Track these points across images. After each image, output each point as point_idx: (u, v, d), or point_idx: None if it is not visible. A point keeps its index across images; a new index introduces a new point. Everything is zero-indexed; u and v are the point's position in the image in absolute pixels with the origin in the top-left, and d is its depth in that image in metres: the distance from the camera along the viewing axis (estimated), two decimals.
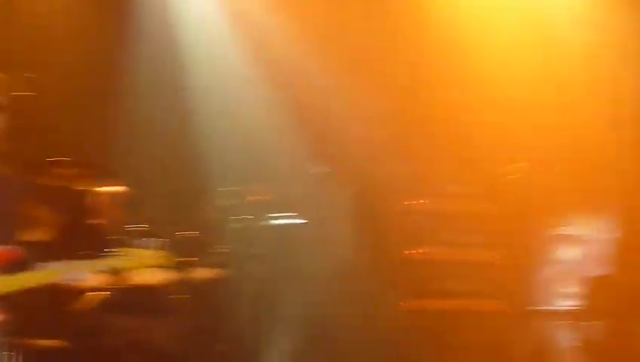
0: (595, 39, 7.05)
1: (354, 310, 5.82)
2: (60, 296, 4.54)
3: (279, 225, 6.08)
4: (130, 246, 3.18)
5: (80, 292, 4.64)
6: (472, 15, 6.74)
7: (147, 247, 3.21)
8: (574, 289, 6.39)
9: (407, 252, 6.01)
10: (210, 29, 6.43)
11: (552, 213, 6.53)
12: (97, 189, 5.01)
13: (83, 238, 4.75)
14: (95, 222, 5.01)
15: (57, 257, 3.06)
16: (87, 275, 3.18)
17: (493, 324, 6.07)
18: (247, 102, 6.42)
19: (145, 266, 3.28)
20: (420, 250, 6.04)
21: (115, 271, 3.93)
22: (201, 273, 5.48)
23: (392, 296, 5.94)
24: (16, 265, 3.14)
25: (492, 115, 6.66)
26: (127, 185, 5.14)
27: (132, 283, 4.73)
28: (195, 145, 6.20)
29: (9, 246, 2.98)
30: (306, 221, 6.08)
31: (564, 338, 6.26)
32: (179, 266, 5.14)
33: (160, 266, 3.32)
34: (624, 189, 6.67)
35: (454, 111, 6.61)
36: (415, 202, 6.10)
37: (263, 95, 6.39)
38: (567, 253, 6.46)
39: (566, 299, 6.37)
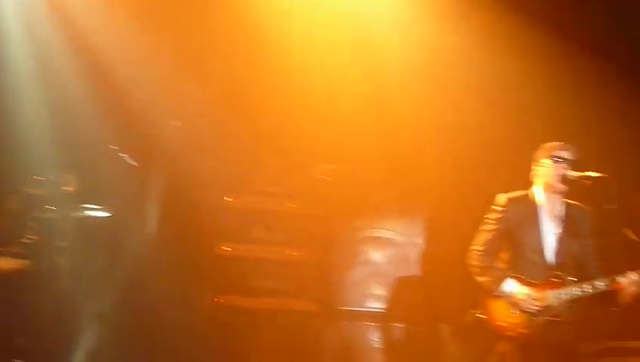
0: (412, 41, 8.30)
1: (162, 305, 6.88)
2: None
3: (85, 217, 7.03)
4: None
5: None
6: (290, 15, 7.92)
7: None
8: (381, 291, 7.79)
9: (218, 248, 7.17)
10: (24, 19, 7.41)
11: (362, 214, 7.86)
12: None
13: None
14: None
15: None
16: None
17: (302, 323, 7.32)
18: (58, 93, 7.37)
19: None
20: (232, 247, 7.23)
21: None
22: (3, 263, 6.39)
23: (203, 292, 7.09)
24: None
25: (306, 117, 7.90)
26: None
27: None
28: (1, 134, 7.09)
29: None
30: (113, 214, 7.07)
31: (370, 338, 7.64)
32: None
33: None
34: (432, 194, 8.14)
35: (270, 111, 7.77)
36: (227, 199, 7.25)
37: (74, 85, 7.37)
38: (376, 255, 7.88)
39: (373, 300, 7.75)
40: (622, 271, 6.03)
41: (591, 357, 7.55)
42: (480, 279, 6.28)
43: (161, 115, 7.36)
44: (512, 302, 6.18)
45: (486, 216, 6.43)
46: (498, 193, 6.50)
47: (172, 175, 7.31)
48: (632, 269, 6.04)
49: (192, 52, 7.74)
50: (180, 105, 7.38)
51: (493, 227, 6.38)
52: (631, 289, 5.94)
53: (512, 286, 6.18)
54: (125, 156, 7.28)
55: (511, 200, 6.37)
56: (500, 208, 6.40)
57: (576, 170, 6.22)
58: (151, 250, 7.17)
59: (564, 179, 6.22)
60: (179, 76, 7.44)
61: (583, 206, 6.42)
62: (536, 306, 6.15)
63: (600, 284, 6.05)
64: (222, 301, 7.16)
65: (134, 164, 7.27)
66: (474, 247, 6.36)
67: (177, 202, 7.26)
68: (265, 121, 7.81)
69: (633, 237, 5.86)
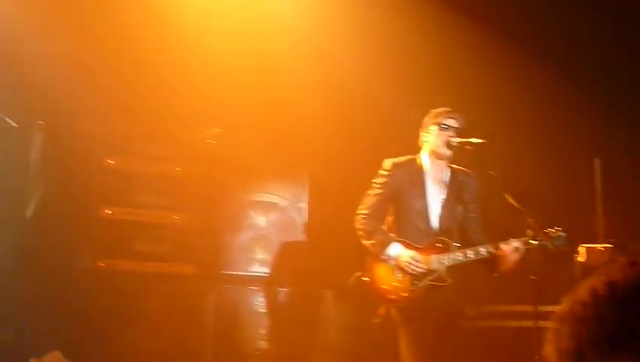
0: (298, 6, 8.45)
1: (44, 269, 6.78)
2: None
3: None
4: None
5: None
6: None
7: None
8: (265, 255, 7.84)
9: (100, 211, 7.07)
10: None
11: (246, 178, 7.87)
12: None
13: None
14: None
15: None
16: None
17: (185, 287, 7.30)
18: None
19: None
20: (114, 211, 7.12)
21: None
22: None
23: (85, 256, 6.98)
24: None
25: (191, 81, 7.88)
26: None
27: None
28: None
29: None
30: None
31: (254, 302, 7.68)
32: None
33: None
34: (317, 159, 8.21)
35: (155, 74, 7.69)
36: (110, 161, 7.15)
37: None
38: (261, 220, 7.90)
39: (257, 264, 7.79)
40: (504, 238, 6.21)
41: (470, 320, 7.78)
42: (365, 242, 6.41)
43: (42, 75, 7.14)
44: (396, 266, 6.30)
45: (373, 180, 6.54)
46: (386, 158, 6.60)
47: (53, 135, 7.19)
48: (513, 235, 6.22)
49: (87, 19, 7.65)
50: (62, 65, 7.20)
51: (378, 191, 6.50)
52: (513, 257, 6.13)
53: (396, 250, 6.32)
54: (4, 117, 7.02)
55: (396, 165, 6.50)
56: (386, 172, 6.52)
57: (461, 137, 6.37)
58: (30, 213, 7.05)
59: (449, 145, 6.36)
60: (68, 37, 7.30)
61: (468, 171, 6.61)
62: (420, 270, 6.29)
63: (483, 251, 6.24)
64: (104, 265, 7.02)
65: (14, 125, 7.05)
66: (359, 211, 6.48)
67: (55, 164, 7.18)
68: (150, 83, 7.72)
69: (512, 202, 6.03)
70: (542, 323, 5.91)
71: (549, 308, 6.09)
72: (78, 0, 7.65)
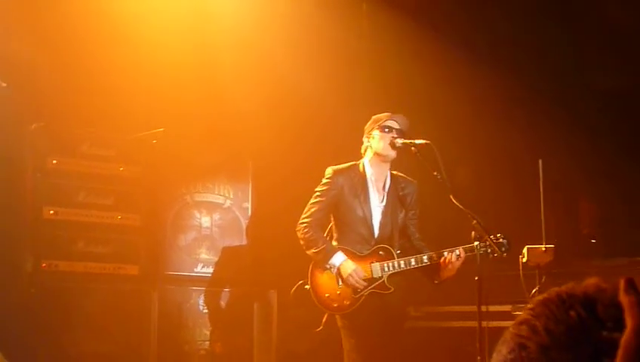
0: (243, 9, 8.66)
1: None
2: None
3: None
4: None
5: None
6: None
7: None
8: (209, 256, 7.95)
9: (43, 212, 7.06)
10: None
11: (190, 178, 7.98)
12: None
13: None
14: None
15: None
16: None
17: (129, 288, 7.38)
18: None
19: None
20: (56, 211, 7.13)
21: None
22: None
23: (26, 257, 6.99)
24: None
25: (131, 78, 7.97)
26: None
27: None
28: None
29: None
30: None
31: (198, 303, 7.79)
32: None
33: None
34: (262, 161, 8.40)
35: (96, 71, 7.78)
36: (52, 162, 7.15)
37: None
38: (205, 220, 8.01)
39: (201, 265, 7.91)
40: (449, 240, 6.39)
41: (413, 321, 7.97)
42: (308, 252, 6.54)
43: None
44: (338, 275, 6.46)
45: (316, 188, 6.70)
46: (329, 159, 6.75)
47: None
48: (457, 236, 6.40)
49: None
50: (3, 65, 7.19)
51: (320, 199, 6.65)
52: (455, 264, 6.31)
53: (339, 259, 6.46)
54: None
55: (337, 172, 6.65)
56: (328, 180, 6.67)
57: (404, 139, 6.54)
58: None
59: (392, 147, 6.52)
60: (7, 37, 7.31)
61: (408, 178, 6.77)
62: (360, 285, 6.44)
63: (425, 259, 6.41)
64: (47, 265, 7.07)
65: None
66: (302, 220, 6.62)
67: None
68: (92, 83, 7.84)
69: (457, 204, 6.23)
70: (485, 324, 6.11)
71: (493, 308, 6.34)
72: None
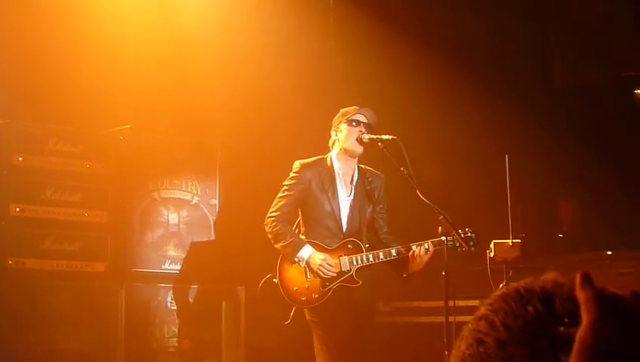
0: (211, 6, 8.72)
1: None
2: None
3: None
4: None
5: None
6: None
7: None
8: (177, 252, 7.97)
9: (8, 209, 7.06)
10: None
11: (157, 175, 7.98)
12: None
13: None
14: None
15: None
16: None
17: (96, 285, 7.39)
18: None
19: None
20: (22, 208, 7.13)
21: None
22: None
23: None
24: None
25: (98, 74, 7.98)
26: None
27: None
28: None
29: None
30: None
31: (166, 300, 7.80)
32: None
33: None
34: (229, 157, 8.41)
35: (64, 68, 7.80)
36: (17, 159, 7.16)
37: None
38: (172, 216, 8.02)
39: (169, 261, 7.92)
40: (416, 235, 6.42)
41: (382, 316, 8.00)
42: (276, 245, 6.55)
43: None
44: (307, 268, 6.48)
45: (283, 182, 6.72)
46: (297, 155, 6.77)
47: None
48: (424, 231, 6.44)
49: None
50: None
51: (288, 193, 6.66)
52: (423, 258, 6.35)
53: (307, 252, 6.48)
54: None
55: (305, 166, 6.66)
56: (295, 174, 6.69)
57: (372, 133, 6.57)
58: None
59: (359, 142, 6.54)
60: None
61: (376, 171, 6.80)
62: (331, 273, 6.47)
63: (393, 252, 6.45)
64: (13, 263, 7.04)
65: None
66: (270, 214, 6.63)
67: None
68: (59, 80, 7.82)
69: (424, 199, 6.26)
70: (453, 319, 6.15)
71: (460, 303, 6.39)
72: None
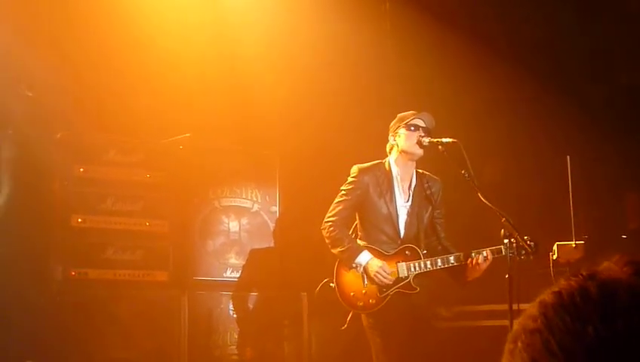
0: (264, 16, 8.75)
1: (13, 278, 6.80)
2: None
3: None
4: None
5: None
6: None
7: None
8: (239, 260, 7.96)
9: (71, 220, 7.10)
10: None
11: (218, 183, 7.96)
12: None
13: None
14: None
15: None
16: None
17: (158, 295, 7.40)
18: None
19: None
20: (84, 219, 7.16)
21: None
22: None
23: (55, 265, 7.03)
24: None
25: (158, 83, 8.03)
26: None
27: None
28: None
29: None
30: None
31: (228, 308, 7.78)
32: None
33: None
34: (289, 163, 8.39)
35: (122, 78, 7.85)
36: (79, 170, 7.19)
37: None
38: (233, 224, 8.00)
39: (230, 269, 7.91)
40: (477, 239, 6.32)
41: (444, 321, 7.89)
42: (333, 250, 6.49)
43: (11, 84, 7.20)
44: (365, 273, 6.41)
45: (341, 187, 6.65)
46: (356, 162, 6.71)
47: (21, 145, 7.20)
48: (486, 234, 6.33)
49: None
50: (31, 75, 7.24)
51: (346, 198, 6.60)
52: (482, 266, 6.24)
53: (365, 258, 6.41)
54: None
55: (363, 171, 6.60)
56: (353, 179, 6.63)
57: (431, 137, 6.49)
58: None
59: (419, 146, 6.46)
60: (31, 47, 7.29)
61: (433, 176, 6.71)
62: (387, 281, 6.39)
63: (452, 260, 6.35)
64: (76, 273, 7.03)
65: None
66: (327, 219, 6.58)
67: (25, 173, 7.20)
68: (118, 90, 7.87)
69: (486, 202, 6.15)
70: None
71: (524, 306, 6.25)
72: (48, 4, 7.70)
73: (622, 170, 8.91)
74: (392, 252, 6.55)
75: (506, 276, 6.13)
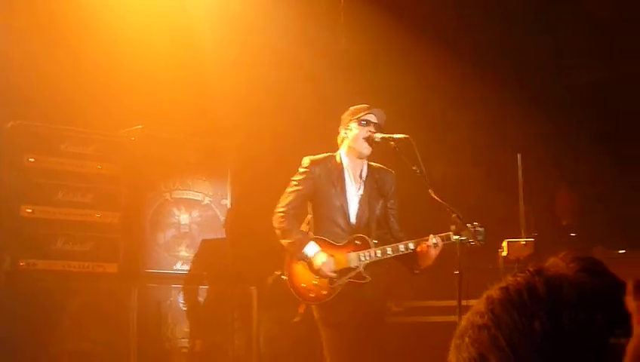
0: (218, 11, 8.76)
1: None
2: None
3: None
4: None
5: None
6: None
7: None
8: (188, 253, 7.99)
9: (19, 210, 7.07)
10: None
11: (169, 175, 7.99)
12: None
13: None
14: None
15: None
16: None
17: (108, 286, 7.40)
18: None
19: None
20: (33, 209, 7.13)
21: None
22: None
23: (3, 256, 7.01)
24: None
25: (110, 76, 8.04)
26: None
27: None
28: None
29: None
30: None
31: (177, 301, 7.81)
32: None
33: None
34: (239, 156, 8.43)
35: (74, 66, 7.84)
36: (29, 160, 7.16)
37: None
38: (184, 217, 8.02)
39: (180, 262, 7.93)
40: (428, 234, 6.40)
41: (395, 316, 7.97)
42: (283, 241, 6.54)
43: None
44: (310, 266, 6.46)
45: (292, 178, 6.70)
46: (306, 155, 6.76)
47: None
48: (436, 230, 6.41)
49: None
50: None
51: (297, 188, 6.65)
52: (432, 253, 6.31)
53: (311, 250, 6.46)
54: None
55: (314, 162, 6.66)
56: (305, 169, 6.68)
57: (381, 133, 6.55)
58: None
59: (369, 141, 6.52)
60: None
61: (385, 168, 6.77)
62: (334, 271, 6.44)
63: (402, 247, 6.41)
64: (25, 264, 7.01)
65: None
66: (277, 209, 6.62)
67: None
68: (70, 81, 7.85)
69: (436, 198, 6.23)
70: None
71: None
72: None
73: (573, 167, 9.06)
74: (343, 242, 6.62)
75: (456, 272, 6.22)
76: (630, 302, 1.32)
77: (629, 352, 1.28)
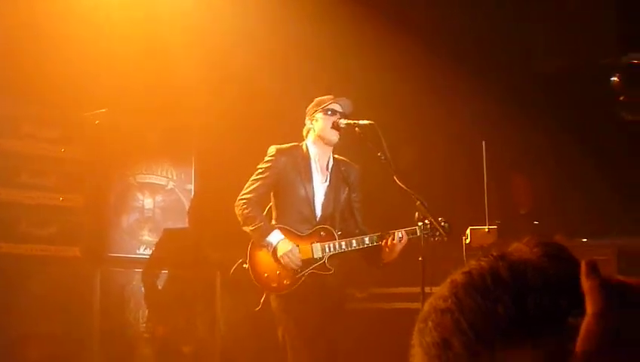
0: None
1: None
2: None
3: None
4: None
5: None
6: None
7: None
8: (152, 237, 8.01)
9: None
10: None
11: (133, 160, 8.02)
12: None
13: None
14: None
15: None
16: None
17: (70, 270, 7.39)
18: None
19: None
20: None
21: None
22: None
23: None
24: None
25: (75, 58, 7.93)
26: None
27: None
28: None
29: None
30: None
31: (140, 285, 7.84)
32: None
33: None
34: (204, 142, 8.49)
35: (38, 47, 7.78)
36: None
37: None
38: (147, 201, 8.05)
39: (143, 246, 7.95)
40: (392, 221, 6.42)
41: (358, 303, 8.01)
42: (245, 228, 6.53)
43: None
44: (274, 254, 6.46)
45: (258, 165, 6.70)
46: (272, 143, 6.76)
47: None
48: (401, 217, 6.44)
49: None
50: None
51: (262, 176, 6.65)
52: (397, 247, 6.34)
53: (275, 238, 6.46)
54: None
55: (280, 151, 6.66)
56: (271, 158, 6.68)
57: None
58: None
59: (336, 127, 6.53)
60: None
61: (350, 162, 6.79)
62: (295, 262, 6.45)
63: (367, 240, 6.44)
64: None
65: None
66: (242, 196, 6.61)
67: None
68: (35, 63, 7.78)
69: (401, 185, 6.26)
70: None
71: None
72: None
73: (538, 154, 9.13)
74: (307, 232, 6.63)
75: (420, 259, 6.25)
76: (584, 283, 1.33)
77: (582, 331, 1.30)
